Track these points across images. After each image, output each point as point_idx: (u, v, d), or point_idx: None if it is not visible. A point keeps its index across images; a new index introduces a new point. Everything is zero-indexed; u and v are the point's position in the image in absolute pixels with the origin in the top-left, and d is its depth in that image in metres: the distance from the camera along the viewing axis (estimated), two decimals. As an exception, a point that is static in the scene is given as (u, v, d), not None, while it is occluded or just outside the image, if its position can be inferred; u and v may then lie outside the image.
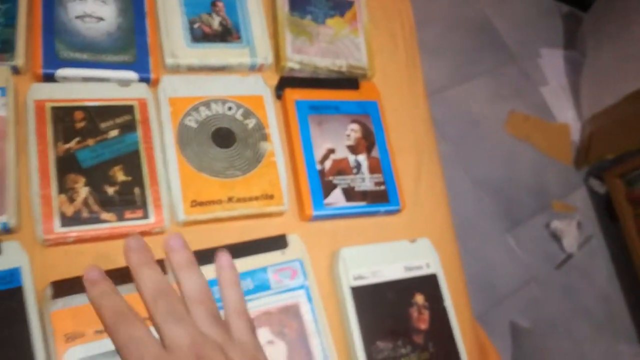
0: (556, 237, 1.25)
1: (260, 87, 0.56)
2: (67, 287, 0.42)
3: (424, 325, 0.52)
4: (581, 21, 1.50)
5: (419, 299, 0.53)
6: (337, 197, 0.54)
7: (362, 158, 0.57)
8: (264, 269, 0.49)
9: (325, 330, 0.49)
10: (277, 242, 0.50)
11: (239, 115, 0.54)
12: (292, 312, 0.48)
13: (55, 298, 0.42)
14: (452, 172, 1.24)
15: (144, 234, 0.47)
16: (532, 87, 1.44)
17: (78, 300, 0.42)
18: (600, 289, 1.27)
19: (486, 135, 1.32)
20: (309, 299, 0.49)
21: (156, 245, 0.39)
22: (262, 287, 0.48)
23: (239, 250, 0.48)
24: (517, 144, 1.34)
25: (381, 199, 0.56)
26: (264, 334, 0.47)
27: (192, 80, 0.54)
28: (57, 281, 0.42)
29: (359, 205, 0.54)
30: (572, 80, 1.48)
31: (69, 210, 0.45)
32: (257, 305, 0.47)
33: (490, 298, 1.15)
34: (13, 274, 0.41)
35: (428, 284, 0.54)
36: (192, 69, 0.55)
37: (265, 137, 0.54)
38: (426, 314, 0.52)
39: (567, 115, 1.43)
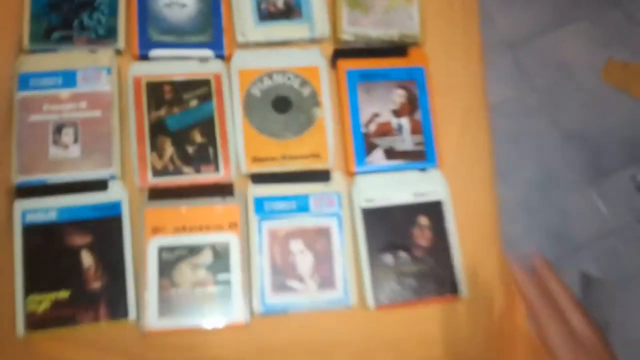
0: (643, 192, 1.21)
1: (317, 59, 0.64)
2: (158, 194, 0.57)
3: (424, 243, 0.60)
4: None
5: (423, 220, 0.61)
6: (377, 156, 0.62)
7: (404, 121, 0.64)
8: (306, 196, 0.60)
9: (348, 251, 0.59)
10: (322, 176, 0.60)
11: (296, 85, 0.63)
12: (324, 232, 0.59)
13: (150, 199, 0.57)
14: (540, 123, 1.22)
15: (215, 184, 0.59)
16: (636, 31, 1.34)
17: (163, 204, 0.57)
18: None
19: (580, 84, 1.27)
20: (340, 225, 0.59)
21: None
22: (303, 208, 0.59)
23: (290, 177, 0.60)
24: (614, 94, 1.28)
25: (419, 157, 0.63)
26: (297, 245, 0.59)
27: (258, 54, 0.64)
28: (153, 189, 0.58)
29: (397, 163, 0.62)
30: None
31: (159, 164, 0.58)
32: (296, 222, 0.59)
33: (566, 247, 1.16)
34: (115, 206, 0.56)
35: (433, 208, 0.62)
36: (259, 45, 0.65)
37: (317, 104, 0.63)
38: (428, 234, 0.61)
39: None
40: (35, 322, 0.53)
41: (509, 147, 1.20)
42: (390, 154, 0.62)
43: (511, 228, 1.16)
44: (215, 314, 0.56)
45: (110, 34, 0.61)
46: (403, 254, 0.60)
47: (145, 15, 0.62)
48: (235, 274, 0.57)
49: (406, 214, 0.61)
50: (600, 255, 1.16)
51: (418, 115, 0.64)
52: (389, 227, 0.60)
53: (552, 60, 1.28)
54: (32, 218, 0.55)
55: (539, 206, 1.18)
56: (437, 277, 0.60)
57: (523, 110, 1.22)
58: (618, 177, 1.22)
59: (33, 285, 0.54)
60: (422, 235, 0.61)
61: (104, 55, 0.60)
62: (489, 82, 1.22)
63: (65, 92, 0.58)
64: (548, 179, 1.20)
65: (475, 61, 0.72)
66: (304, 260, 0.59)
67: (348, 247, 0.60)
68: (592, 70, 1.29)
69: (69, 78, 0.59)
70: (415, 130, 0.64)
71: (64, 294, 0.54)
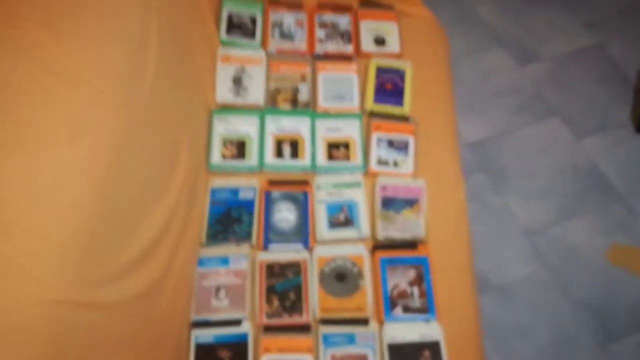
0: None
1: (362, 251, 1.09)
2: (268, 329, 0.98)
3: None
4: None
5: (426, 353, 0.97)
6: (398, 311, 1.02)
7: (415, 289, 1.04)
8: (353, 334, 0.99)
9: None
10: (363, 322, 1.00)
11: (349, 265, 1.07)
12: (363, 357, 0.97)
13: (264, 332, 0.98)
14: (553, 294, 1.55)
15: (301, 324, 1.01)
16: (635, 222, 1.68)
17: (270, 335, 0.97)
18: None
19: (586, 263, 1.60)
20: (374, 354, 0.98)
21: (301, 328, 0.93)
22: (352, 341, 0.98)
23: (343, 322, 0.99)
24: (619, 272, 1.58)
25: (424, 311, 1.02)
26: None
27: (328, 247, 1.10)
28: (266, 325, 0.99)
29: (410, 315, 1.02)
30: (681, 212, 1.67)
31: (270, 311, 1.01)
32: (347, 349, 0.97)
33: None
34: (245, 335, 0.99)
35: (433, 346, 0.98)
36: (329, 242, 1.11)
37: (362, 277, 1.06)
38: None
39: (673, 245, 1.63)
40: (196, 400, 0.94)
41: (529, 312, 1.52)
42: (406, 309, 1.02)
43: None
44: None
45: (248, 236, 1.10)
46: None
47: (268, 225, 1.11)
48: (310, 381, 0.96)
49: (415, 349, 0.99)
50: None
51: (424, 286, 1.05)
52: (404, 356, 0.98)
53: (564, 244, 1.64)
54: (200, 340, 0.99)
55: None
56: (436, 390, 0.95)
57: (537, 284, 1.56)
58: (626, 342, 1.47)
59: (197, 378, 0.96)
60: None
61: (244, 249, 1.08)
62: (510, 262, 1.65)
63: (222, 269, 1.06)
64: (561, 341, 1.48)
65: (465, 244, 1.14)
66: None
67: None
68: (598, 252, 1.63)
69: (224, 261, 1.07)
70: (422, 295, 1.04)
71: (213, 385, 0.95)
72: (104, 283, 0.76)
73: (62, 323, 0.67)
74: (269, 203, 1.14)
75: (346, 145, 1.21)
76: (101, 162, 0.78)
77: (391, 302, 1.03)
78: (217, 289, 1.04)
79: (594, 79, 2.01)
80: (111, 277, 0.77)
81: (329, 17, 1.36)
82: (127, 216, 0.83)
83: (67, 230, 0.70)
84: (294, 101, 1.25)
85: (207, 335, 1.00)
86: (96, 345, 0.73)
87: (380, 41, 1.34)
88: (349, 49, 1.32)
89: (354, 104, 1.26)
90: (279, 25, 1.33)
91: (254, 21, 1.33)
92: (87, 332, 0.71)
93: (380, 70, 1.30)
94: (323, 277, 1.06)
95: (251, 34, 1.31)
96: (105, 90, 0.82)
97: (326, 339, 0.99)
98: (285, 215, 1.13)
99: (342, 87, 1.27)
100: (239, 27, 1.31)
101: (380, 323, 1.02)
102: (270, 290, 1.04)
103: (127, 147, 0.84)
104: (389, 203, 1.14)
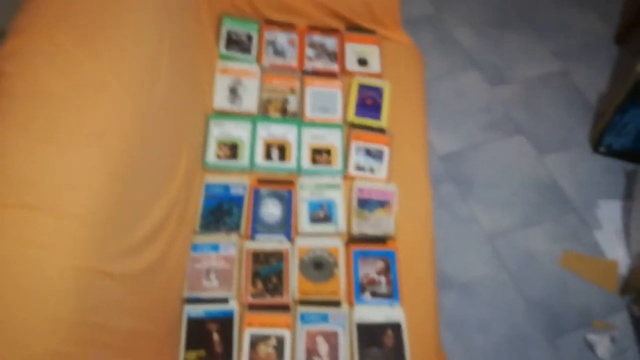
0: (591, 347, 1.60)
1: (338, 243, 1.24)
2: (252, 307, 1.13)
3: (390, 343, 1.12)
4: (644, 175, 1.89)
5: (389, 332, 1.13)
6: (367, 295, 1.18)
7: (382, 277, 1.20)
8: (326, 314, 1.14)
9: (348, 346, 1.11)
10: (336, 303, 1.16)
11: (326, 255, 1.22)
12: (334, 334, 1.12)
13: (249, 310, 1.13)
14: (510, 293, 1.71)
15: (280, 304, 1.16)
16: (587, 232, 1.86)
17: (254, 312, 1.12)
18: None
19: (541, 267, 1.78)
20: (344, 331, 1.12)
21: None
22: (325, 320, 1.13)
23: (319, 303, 1.15)
24: (569, 275, 1.76)
25: (389, 297, 1.18)
26: (320, 339, 1.11)
27: (308, 239, 1.25)
28: (250, 304, 1.13)
29: (377, 299, 1.17)
30: (627, 224, 1.85)
31: (254, 292, 1.16)
32: (320, 327, 1.12)
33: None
34: (232, 312, 1.13)
35: (395, 326, 1.14)
36: (309, 234, 1.26)
37: (336, 266, 1.21)
38: (391, 339, 1.12)
39: (618, 253, 1.80)
40: (187, 366, 1.09)
41: (487, 309, 1.68)
42: (374, 294, 1.18)
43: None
44: (275, 371, 1.09)
45: (237, 227, 1.25)
46: (377, 350, 1.12)
47: (255, 218, 1.26)
48: (287, 353, 1.11)
49: (380, 328, 1.14)
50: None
51: (390, 275, 1.21)
52: (370, 334, 1.13)
53: (522, 250, 1.81)
54: (192, 314, 1.14)
55: (509, 355, 1.61)
56: (395, 364, 1.11)
57: (496, 284, 1.73)
58: (572, 336, 1.64)
59: (188, 346, 1.10)
60: (388, 340, 1.13)
61: (233, 238, 1.23)
62: (473, 264, 1.81)
63: (213, 254, 1.21)
64: (515, 335, 1.64)
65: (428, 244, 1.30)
66: (323, 348, 1.12)
67: (348, 343, 1.12)
68: (552, 258, 1.80)
69: (215, 247, 1.22)
70: (388, 283, 1.20)
71: (203, 353, 1.10)
72: (118, 257, 0.90)
73: (82, 284, 0.82)
74: (257, 199, 1.29)
75: (328, 152, 1.37)
76: (120, 158, 0.93)
77: (361, 288, 1.19)
78: (208, 271, 1.19)
79: (559, 102, 2.21)
80: (124, 253, 0.92)
81: (318, 38, 1.53)
82: (138, 203, 0.99)
83: (91, 212, 0.86)
84: (284, 111, 1.41)
85: (198, 310, 1.14)
86: (110, 306, 0.88)
87: (363, 62, 1.51)
88: (335, 67, 1.49)
89: (337, 116, 1.42)
90: (272, 43, 1.50)
91: (250, 38, 1.49)
92: (101, 295, 0.86)
93: (362, 88, 1.47)
94: (303, 265, 1.21)
95: (247, 49, 1.47)
96: (126, 96, 0.97)
97: (303, 317, 1.15)
98: (272, 210, 1.28)
99: (327, 100, 1.44)
100: (237, 44, 1.47)
101: (351, 305, 1.18)
102: (256, 275, 1.19)
103: (140, 146, 0.99)
104: (364, 203, 1.30)
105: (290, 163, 1.35)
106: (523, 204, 1.93)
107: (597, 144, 2.04)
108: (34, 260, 0.78)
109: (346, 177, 1.35)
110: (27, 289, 0.77)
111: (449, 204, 1.90)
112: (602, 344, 1.61)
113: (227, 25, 1.49)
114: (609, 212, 1.93)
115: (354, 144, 1.38)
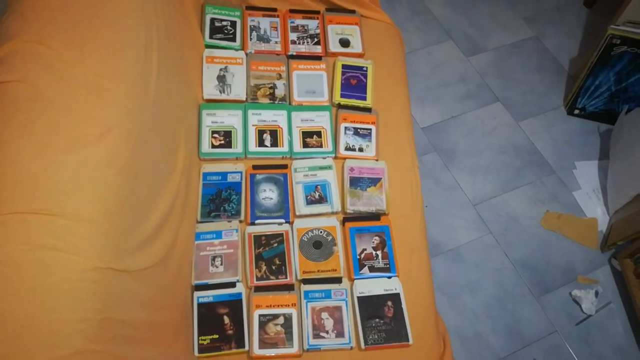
0: (577, 302, 1.71)
1: (334, 222, 1.30)
2: (258, 289, 1.19)
3: (390, 314, 1.19)
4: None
5: (389, 303, 1.20)
6: (365, 270, 1.24)
7: (379, 252, 1.27)
8: (329, 290, 1.21)
9: (351, 318, 1.18)
10: (337, 280, 1.22)
11: (324, 235, 1.28)
12: (338, 309, 1.19)
13: (255, 292, 1.18)
14: (496, 255, 1.80)
15: (285, 284, 1.22)
16: (566, 192, 1.95)
17: (261, 294, 1.18)
18: (616, 342, 1.68)
19: (524, 229, 1.87)
20: (347, 305, 1.19)
21: (288, 286, 1.14)
22: (328, 296, 1.20)
23: (321, 281, 1.21)
24: (551, 235, 1.85)
25: (387, 271, 1.24)
26: (325, 314, 1.18)
27: (306, 220, 1.30)
28: (256, 286, 1.19)
29: (375, 274, 1.24)
30: (604, 183, 1.96)
31: (259, 274, 1.22)
32: (324, 303, 1.19)
33: (518, 343, 1.65)
34: (239, 294, 1.19)
35: (395, 297, 1.21)
36: (307, 216, 1.31)
37: (335, 244, 1.27)
38: (391, 310, 1.19)
39: (596, 211, 1.91)
40: (202, 349, 1.14)
41: (476, 271, 1.77)
42: (372, 269, 1.25)
43: (478, 327, 1.68)
44: (285, 350, 1.15)
45: (237, 213, 1.29)
46: (379, 320, 1.19)
47: (254, 204, 1.31)
48: (295, 330, 1.17)
49: (380, 300, 1.21)
50: (547, 349, 1.64)
51: (386, 250, 1.27)
52: (371, 306, 1.20)
53: (505, 213, 1.90)
54: (201, 300, 1.19)
55: (498, 313, 1.71)
56: (396, 332, 1.18)
57: (482, 248, 1.82)
58: (558, 293, 1.75)
59: (201, 331, 1.16)
60: (388, 310, 1.20)
61: (234, 224, 1.28)
62: (460, 229, 1.88)
63: (216, 241, 1.25)
64: (504, 293, 1.74)
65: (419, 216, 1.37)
66: (328, 323, 1.19)
67: (351, 316, 1.19)
68: (534, 219, 1.89)
69: (218, 234, 1.26)
70: (384, 257, 1.26)
71: (215, 336, 1.15)
72: (131, 253, 0.94)
73: (102, 283, 0.86)
74: (253, 184, 1.33)
75: (318, 134, 1.41)
76: (123, 156, 0.96)
77: (359, 264, 1.25)
78: (213, 258, 1.24)
79: (532, 68, 2.27)
80: (136, 249, 0.96)
81: (299, 21, 1.55)
82: (144, 198, 1.02)
83: (101, 211, 0.89)
84: (272, 96, 1.44)
85: (207, 295, 1.20)
86: (128, 301, 0.92)
87: (345, 43, 1.54)
88: (318, 49, 1.52)
89: (324, 98, 1.46)
90: (256, 28, 1.51)
91: (234, 25, 1.50)
92: (121, 291, 0.90)
93: (346, 68, 1.50)
94: (302, 245, 1.27)
95: (232, 37, 1.49)
96: (121, 94, 0.99)
97: (307, 295, 1.21)
98: (269, 194, 1.33)
99: (314, 83, 1.47)
100: (221, 31, 1.48)
101: (351, 281, 1.24)
102: (259, 258, 1.24)
103: (140, 142, 1.02)
104: (356, 182, 1.36)
105: (283, 148, 1.39)
106: (503, 169, 2.01)
107: (572, 107, 2.12)
108: (52, 264, 0.81)
109: (337, 157, 1.40)
110: (48, 293, 0.79)
111: (434, 173, 1.97)
112: (587, 299, 1.72)
113: (210, 13, 1.50)
114: (586, 172, 2.02)
115: (342, 126, 1.43)
